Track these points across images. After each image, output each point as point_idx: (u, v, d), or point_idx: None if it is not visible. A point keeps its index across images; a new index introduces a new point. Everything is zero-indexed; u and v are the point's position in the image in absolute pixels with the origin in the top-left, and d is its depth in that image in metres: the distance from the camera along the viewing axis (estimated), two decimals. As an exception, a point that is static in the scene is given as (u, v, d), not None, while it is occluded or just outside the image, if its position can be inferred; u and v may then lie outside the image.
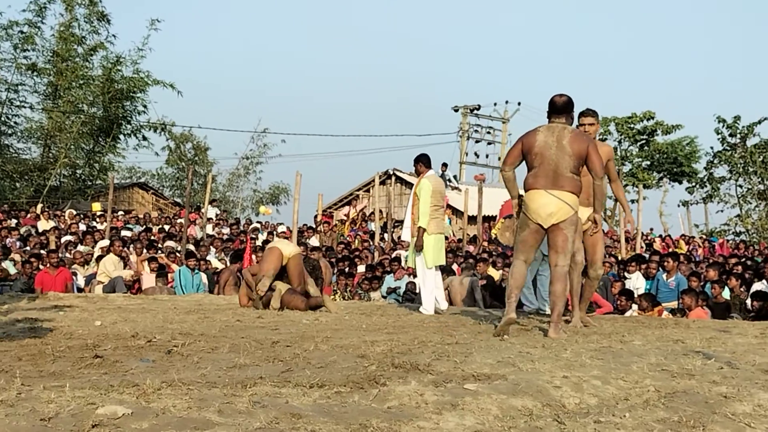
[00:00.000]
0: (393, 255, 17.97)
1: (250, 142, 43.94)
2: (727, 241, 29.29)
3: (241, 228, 23.66)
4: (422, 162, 9.81)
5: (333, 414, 3.68)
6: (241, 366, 4.91)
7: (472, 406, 3.93)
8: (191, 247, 17.80)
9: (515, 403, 4.03)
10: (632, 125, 39.86)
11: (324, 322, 8.08)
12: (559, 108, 6.84)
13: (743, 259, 16.73)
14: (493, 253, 17.10)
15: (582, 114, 7.72)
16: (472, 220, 22.66)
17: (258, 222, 27.01)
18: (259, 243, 18.87)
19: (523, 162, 6.93)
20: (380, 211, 25.49)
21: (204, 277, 15.08)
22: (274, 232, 23.05)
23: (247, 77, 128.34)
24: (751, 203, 36.52)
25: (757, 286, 12.22)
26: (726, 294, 12.10)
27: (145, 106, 33.48)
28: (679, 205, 38.90)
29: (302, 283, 10.27)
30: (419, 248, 9.53)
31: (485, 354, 5.46)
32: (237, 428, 3.32)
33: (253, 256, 15.80)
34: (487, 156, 42.33)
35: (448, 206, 30.23)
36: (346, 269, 15.85)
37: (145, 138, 34.78)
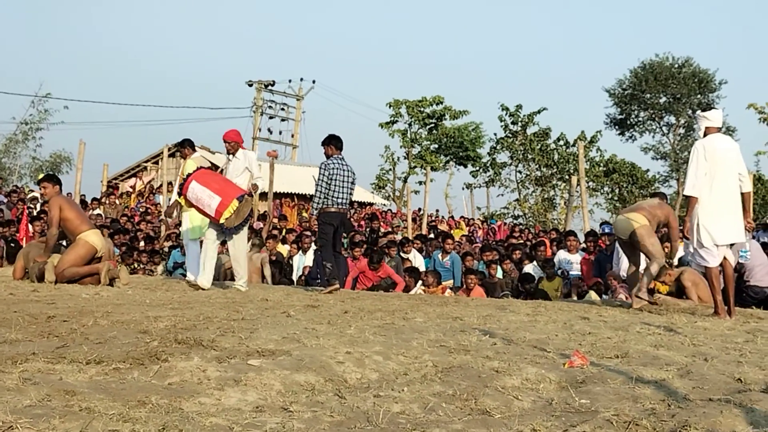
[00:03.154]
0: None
1: (30, 106, 41.39)
2: (505, 224, 30.85)
3: (20, 197, 22.29)
4: (188, 146, 11.19)
5: (110, 391, 3.57)
6: (12, 341, 4.64)
7: (255, 382, 3.92)
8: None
9: (298, 379, 4.06)
10: (422, 109, 41.02)
11: (105, 297, 7.79)
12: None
13: (518, 242, 17.66)
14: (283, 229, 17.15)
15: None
16: (263, 196, 22.58)
17: (33, 191, 25.51)
18: (35, 213, 17.90)
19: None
20: (169, 184, 24.84)
21: (-26, 248, 14.13)
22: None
23: (30, 37, 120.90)
24: (528, 188, 38.68)
25: (527, 268, 12.95)
26: (499, 273, 12.75)
27: None
28: (463, 188, 40.70)
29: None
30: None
31: (271, 330, 5.46)
32: (4, 406, 3.14)
33: (30, 226, 15.02)
34: (280, 132, 42.24)
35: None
36: (129, 243, 15.33)
37: None
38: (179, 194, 9.69)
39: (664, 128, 48.43)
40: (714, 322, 7.24)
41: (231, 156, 10.04)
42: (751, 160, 39.25)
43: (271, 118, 41.92)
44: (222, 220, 9.19)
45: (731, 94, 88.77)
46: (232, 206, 9.17)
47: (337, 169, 9.85)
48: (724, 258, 7.86)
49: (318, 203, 9.82)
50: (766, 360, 5.09)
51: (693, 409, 3.66)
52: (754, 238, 11.77)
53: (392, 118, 41.23)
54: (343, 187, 9.87)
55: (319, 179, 9.82)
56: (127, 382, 3.78)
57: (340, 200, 9.86)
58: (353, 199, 31.90)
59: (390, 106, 41.16)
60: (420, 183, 39.34)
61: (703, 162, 7.72)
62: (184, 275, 13.47)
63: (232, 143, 9.97)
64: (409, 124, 41.52)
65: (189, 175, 9.59)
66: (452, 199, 40.77)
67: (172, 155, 30.17)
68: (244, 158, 9.98)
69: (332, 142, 10.07)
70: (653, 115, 48.05)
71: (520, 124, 38.08)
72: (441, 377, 4.35)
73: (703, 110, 8.12)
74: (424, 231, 19.92)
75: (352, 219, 24.25)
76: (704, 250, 7.74)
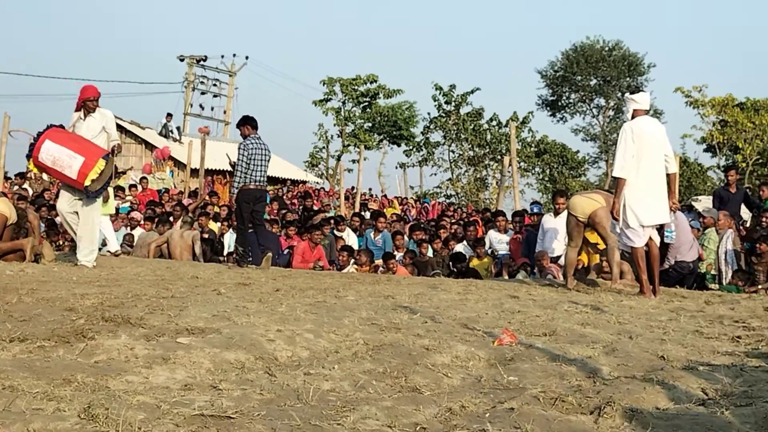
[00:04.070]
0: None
1: (-49, 77, 40.07)
2: (439, 203, 31.07)
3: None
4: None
5: (35, 369, 3.49)
6: (-68, 319, 4.52)
7: (184, 360, 3.88)
8: None
9: (228, 357, 4.04)
10: (356, 87, 40.90)
11: (30, 274, 7.62)
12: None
13: (450, 221, 17.76)
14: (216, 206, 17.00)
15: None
16: (194, 173, 22.36)
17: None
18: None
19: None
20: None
21: None
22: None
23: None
24: (461, 168, 38.91)
25: (458, 247, 13.05)
26: (429, 252, 12.85)
27: None
28: (396, 167, 40.77)
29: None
30: None
31: (201, 308, 5.41)
32: None
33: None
34: (212, 108, 41.42)
35: (171, 158, 29.48)
36: (53, 218, 14.99)
37: None
38: (28, 157, 8.63)
39: (594, 110, 49.31)
40: (639, 300, 7.41)
41: (84, 115, 9.02)
42: (677, 142, 40.25)
43: (203, 93, 41.04)
44: (87, 183, 8.35)
45: (659, 77, 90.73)
46: (98, 166, 8.35)
47: (256, 148, 10.35)
48: (650, 238, 8.04)
49: (239, 182, 10.29)
50: (688, 338, 5.23)
51: (617, 386, 3.74)
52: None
53: (326, 96, 40.99)
54: (261, 165, 10.39)
55: (238, 159, 10.26)
56: (52, 360, 3.71)
57: (258, 177, 10.38)
58: (286, 177, 31.69)
59: (324, 84, 40.95)
60: (353, 161, 39.28)
61: (630, 144, 7.87)
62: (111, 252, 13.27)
63: (95, 99, 8.99)
64: (343, 102, 41.35)
65: (39, 135, 8.59)
66: (385, 178, 40.91)
67: (100, 130, 29.55)
68: (102, 117, 9.07)
69: (248, 123, 10.57)
70: (584, 97, 48.81)
71: (453, 104, 38.22)
72: (372, 355, 4.36)
73: (632, 93, 8.30)
74: (357, 209, 19.94)
75: (285, 197, 24.14)
76: (630, 230, 7.91)
